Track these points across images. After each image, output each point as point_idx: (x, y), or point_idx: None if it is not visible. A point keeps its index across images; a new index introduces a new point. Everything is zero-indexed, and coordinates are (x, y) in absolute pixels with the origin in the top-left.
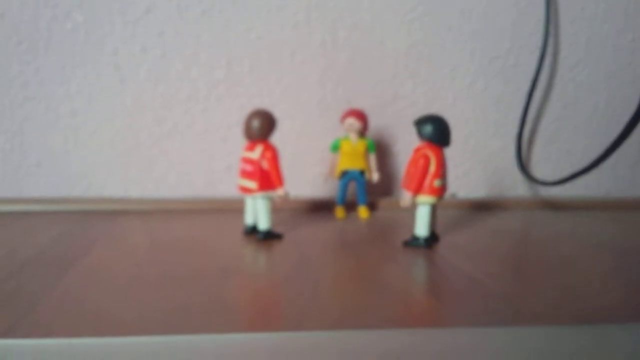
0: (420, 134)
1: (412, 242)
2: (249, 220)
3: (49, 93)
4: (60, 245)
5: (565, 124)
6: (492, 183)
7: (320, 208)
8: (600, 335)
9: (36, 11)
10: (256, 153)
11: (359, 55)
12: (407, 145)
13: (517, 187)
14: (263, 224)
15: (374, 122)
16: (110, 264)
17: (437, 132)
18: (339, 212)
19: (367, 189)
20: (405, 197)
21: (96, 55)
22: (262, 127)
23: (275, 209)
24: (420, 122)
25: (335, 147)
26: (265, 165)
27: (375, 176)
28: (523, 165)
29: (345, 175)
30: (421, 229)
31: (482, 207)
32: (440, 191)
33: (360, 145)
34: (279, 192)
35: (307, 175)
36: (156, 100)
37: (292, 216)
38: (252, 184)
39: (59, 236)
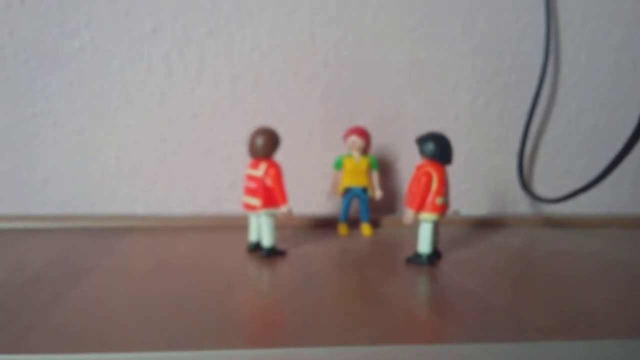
0: (422, 151)
1: (415, 259)
2: (252, 237)
3: (56, 110)
4: (65, 262)
5: (567, 141)
6: (494, 200)
7: (323, 225)
8: (602, 351)
9: (44, 29)
10: (260, 170)
11: (361, 73)
12: (409, 163)
13: (519, 205)
14: (267, 241)
15: (376, 140)
16: (115, 281)
17: (439, 149)
18: (342, 229)
19: (370, 206)
20: (407, 214)
21: (103, 73)
22: (266, 145)
23: (279, 226)
24: (422, 140)
25: (338, 165)
26: (269, 182)
27: (377, 193)
28: (525, 182)
29: (348, 192)
30: (424, 246)
31: (484, 224)
32: (443, 208)
33: (362, 162)
34: (283, 209)
35: (311, 192)
36: (162, 118)
37: (295, 233)
38: (256, 202)
39: (65, 253)
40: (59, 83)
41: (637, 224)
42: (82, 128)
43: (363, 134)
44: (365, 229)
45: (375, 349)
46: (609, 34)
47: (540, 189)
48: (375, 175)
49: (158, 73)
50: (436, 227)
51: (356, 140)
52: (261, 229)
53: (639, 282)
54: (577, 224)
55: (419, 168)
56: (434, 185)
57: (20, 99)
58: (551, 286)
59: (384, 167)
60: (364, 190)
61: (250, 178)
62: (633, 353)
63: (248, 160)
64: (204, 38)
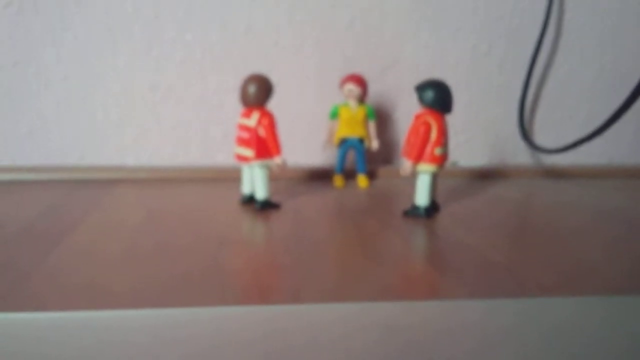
0: (421, 99)
1: (412, 212)
2: (246, 189)
3: (39, 56)
4: (53, 215)
5: (569, 90)
6: (494, 151)
7: (318, 177)
8: (607, 307)
9: None
10: (253, 120)
11: (358, 17)
12: (407, 112)
13: (519, 155)
14: (260, 193)
15: (373, 88)
16: (105, 234)
17: (438, 98)
18: (338, 180)
19: (367, 157)
20: (405, 165)
21: (87, 16)
22: (258, 92)
23: (273, 178)
24: (421, 88)
25: (334, 114)
26: (262, 132)
27: (374, 144)
28: (525, 132)
29: (344, 143)
30: (421, 198)
31: (483, 176)
32: (441, 159)
33: (359, 112)
34: (277, 160)
35: (305, 143)
36: (150, 64)
37: (289, 185)
38: (248, 152)
39: (53, 205)
40: (42, 28)
41: (639, 175)
42: (66, 76)
43: (360, 81)
44: (362, 181)
45: (371, 304)
46: None
47: (541, 139)
48: (372, 125)
49: (145, 16)
50: (434, 178)
51: (353, 89)
52: (254, 181)
53: None
54: (578, 175)
55: (417, 117)
56: (433, 135)
57: (1, 46)
58: (553, 239)
59: (381, 117)
60: (361, 140)
61: (243, 128)
62: (633, 309)
63: (240, 108)
64: None
